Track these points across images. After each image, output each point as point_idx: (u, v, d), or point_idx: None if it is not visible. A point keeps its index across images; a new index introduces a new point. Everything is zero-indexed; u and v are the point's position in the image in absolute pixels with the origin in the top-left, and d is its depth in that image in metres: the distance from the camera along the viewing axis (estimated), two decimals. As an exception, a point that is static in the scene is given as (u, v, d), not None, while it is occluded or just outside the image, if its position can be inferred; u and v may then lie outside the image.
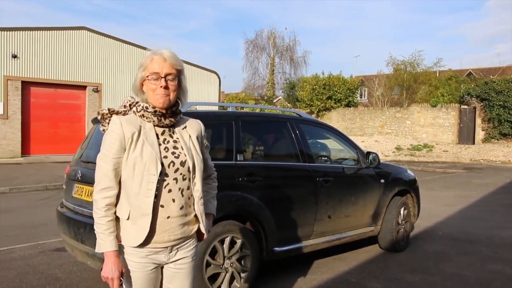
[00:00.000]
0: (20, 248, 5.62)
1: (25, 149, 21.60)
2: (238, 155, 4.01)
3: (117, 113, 2.05)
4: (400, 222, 5.59)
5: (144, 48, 24.87)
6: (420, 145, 25.16)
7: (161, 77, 1.96)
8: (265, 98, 39.89)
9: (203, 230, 2.11)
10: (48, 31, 22.06)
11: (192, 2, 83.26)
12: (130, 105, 2.05)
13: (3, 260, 5.11)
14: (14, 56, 20.86)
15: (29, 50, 21.38)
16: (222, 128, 4.09)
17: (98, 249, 1.97)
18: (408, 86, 31.05)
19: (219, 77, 28.14)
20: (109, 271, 1.93)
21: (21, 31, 21.25)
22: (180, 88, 2.05)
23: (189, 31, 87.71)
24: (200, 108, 5.74)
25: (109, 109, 2.08)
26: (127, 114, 2.04)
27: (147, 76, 1.97)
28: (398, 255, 5.47)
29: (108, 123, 2.02)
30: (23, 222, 7.57)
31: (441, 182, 13.80)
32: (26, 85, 21.45)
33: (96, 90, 23.19)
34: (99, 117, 2.09)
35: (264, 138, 4.96)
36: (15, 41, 21.05)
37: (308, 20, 78.26)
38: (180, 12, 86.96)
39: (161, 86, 1.95)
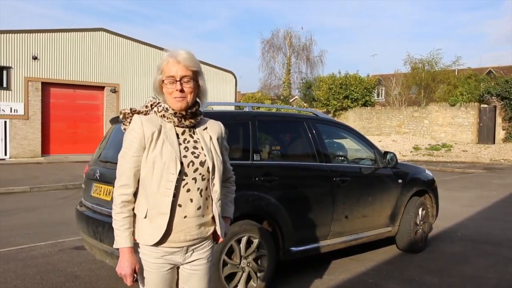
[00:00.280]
0: (41, 246, 5.72)
1: (45, 149, 21.98)
2: (254, 155, 4.01)
3: (139, 112, 2.07)
4: (418, 222, 5.53)
5: (161, 49, 25.07)
6: (438, 144, 24.82)
7: (177, 81, 1.97)
8: (282, 97, 39.82)
9: (219, 232, 2.11)
10: (67, 33, 22.40)
11: (209, 3, 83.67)
12: (151, 105, 2.07)
13: (24, 257, 5.20)
14: (35, 58, 21.24)
15: (49, 51, 21.74)
16: (238, 128, 4.10)
17: (114, 245, 2.01)
18: (426, 85, 30.67)
19: (235, 77, 28.21)
20: (122, 267, 1.97)
21: (41, 33, 21.62)
22: (198, 89, 2.05)
23: (205, 32, 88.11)
24: (217, 108, 5.77)
25: (131, 109, 2.10)
26: (148, 114, 2.06)
27: (163, 80, 1.99)
28: (416, 256, 5.41)
29: (129, 122, 2.04)
30: (43, 220, 7.70)
31: (460, 182, 13.59)
32: (45, 86, 21.83)
33: (114, 91, 23.47)
34: (121, 116, 2.11)
35: (280, 138, 4.95)
36: (35, 43, 21.42)
37: (325, 20, 77.94)
38: (197, 13, 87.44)
39: (177, 90, 1.97)
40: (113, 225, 2.00)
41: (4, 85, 20.81)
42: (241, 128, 4.08)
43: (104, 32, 23.49)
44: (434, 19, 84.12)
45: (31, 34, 21.33)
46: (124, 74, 23.88)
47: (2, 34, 20.62)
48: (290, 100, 40.93)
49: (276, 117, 4.95)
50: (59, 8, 77.47)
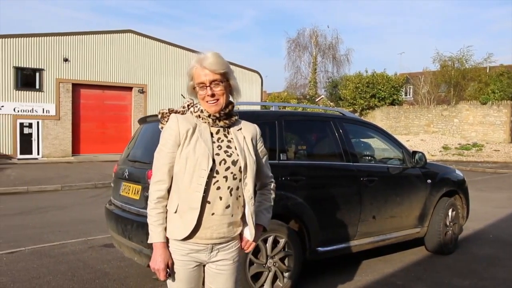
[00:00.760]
0: (71, 243, 5.86)
1: (75, 149, 22.53)
2: (281, 155, 4.01)
3: (176, 112, 2.13)
4: (448, 223, 5.41)
5: (188, 50, 25.34)
6: (469, 144, 24.21)
7: (207, 86, 2.00)
8: (307, 97, 39.64)
9: (247, 234, 2.11)
10: (96, 35, 22.90)
11: (234, 3, 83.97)
12: (188, 105, 2.13)
13: (56, 254, 5.35)
14: (66, 60, 21.80)
15: (79, 53, 22.27)
16: (265, 128, 4.09)
17: (149, 240, 2.04)
18: (456, 83, 29.98)
19: (261, 77, 28.26)
20: (156, 261, 2.01)
21: (71, 36, 22.17)
22: (230, 88, 2.08)
23: (231, 32, 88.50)
24: (243, 107, 5.78)
25: (169, 109, 2.17)
26: (185, 113, 2.12)
27: (194, 87, 2.05)
28: (445, 258, 5.29)
29: (167, 121, 2.10)
30: (74, 218, 7.89)
31: (492, 183, 13.23)
32: (76, 87, 22.37)
33: (142, 91, 23.84)
34: (159, 116, 2.18)
35: (307, 138, 4.92)
36: (66, 45, 21.98)
37: (351, 18, 77.11)
38: (222, 13, 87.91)
39: (208, 95, 2.01)
40: (148, 220, 2.05)
41: (37, 86, 21.44)
42: (268, 128, 4.08)
43: (132, 34, 23.90)
44: (464, 15, 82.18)
45: (62, 36, 21.91)
46: (151, 74, 24.24)
47: (35, 38, 21.24)
48: (316, 100, 40.70)
49: (303, 116, 4.93)
50: (88, 11, 79.20)
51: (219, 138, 2.07)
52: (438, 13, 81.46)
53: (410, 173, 5.10)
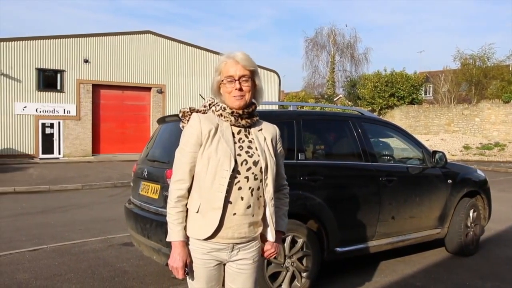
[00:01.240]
0: (92, 242, 5.95)
1: (95, 148, 22.85)
2: (299, 154, 3.99)
3: (198, 111, 2.14)
4: (469, 224, 5.32)
5: (206, 50, 25.46)
6: (490, 143, 23.74)
7: (235, 80, 2.02)
8: (326, 96, 39.43)
9: (269, 235, 2.12)
10: (116, 36, 23.19)
11: (252, 3, 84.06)
12: (209, 105, 2.14)
13: (77, 252, 5.43)
14: (86, 61, 22.13)
15: (99, 54, 22.58)
16: (283, 128, 4.07)
17: (167, 238, 2.06)
18: (477, 82, 29.46)
19: (279, 76, 28.21)
20: (174, 260, 2.02)
21: (92, 37, 22.50)
22: (255, 88, 2.10)
23: (249, 32, 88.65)
24: (261, 107, 5.78)
25: (190, 108, 2.17)
26: (206, 113, 2.12)
27: (222, 80, 2.05)
28: (466, 259, 5.20)
29: (188, 121, 2.11)
30: (94, 217, 8.01)
31: (515, 183, 12.96)
32: (96, 87, 22.69)
33: (160, 91, 24.05)
34: (180, 115, 2.18)
35: (325, 137, 4.90)
36: (86, 47, 22.31)
37: (370, 16, 76.43)
38: (240, 13, 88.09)
39: (235, 89, 2.02)
40: (167, 218, 2.06)
41: (58, 87, 21.81)
42: (286, 127, 4.07)
43: (151, 35, 24.12)
44: (486, 12, 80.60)
45: (83, 38, 22.25)
46: (169, 75, 24.43)
47: (57, 39, 21.62)
48: (335, 99, 40.46)
49: (321, 116, 4.91)
50: (108, 13, 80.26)
51: (240, 139, 2.08)
52: (459, 10, 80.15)
53: (430, 173, 5.03)
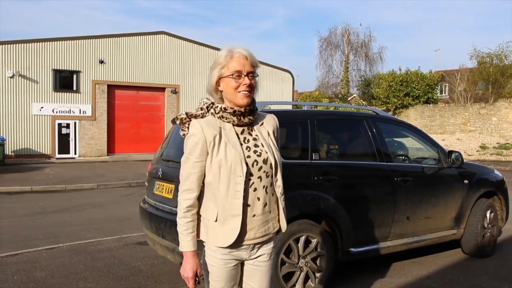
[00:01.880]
0: (107, 241, 6.01)
1: (110, 148, 23.07)
2: (313, 154, 3.98)
3: (195, 116, 2.06)
4: (486, 225, 5.24)
5: (219, 50, 25.50)
6: (508, 143, 23.34)
7: (244, 75, 1.96)
8: (340, 96, 39.22)
9: (283, 225, 2.13)
10: (131, 37, 23.38)
11: (265, 3, 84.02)
12: (207, 107, 2.06)
13: (93, 251, 5.49)
14: (101, 62, 22.36)
15: (114, 55, 22.80)
16: (297, 127, 4.09)
17: (179, 248, 2.05)
18: (495, 80, 28.99)
19: (292, 76, 28.15)
20: (185, 270, 2.02)
21: (107, 38, 22.72)
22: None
23: (262, 31, 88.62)
24: (275, 107, 5.77)
25: (187, 113, 2.09)
26: (205, 116, 2.06)
27: (231, 75, 1.96)
28: (483, 261, 5.13)
29: (188, 127, 2.05)
30: (109, 216, 8.09)
31: (533, 183, 12.71)
32: (111, 88, 22.90)
33: (175, 92, 24.18)
34: (178, 122, 2.13)
35: (340, 137, 4.87)
36: (101, 48, 22.53)
37: (384, 15, 75.82)
38: (253, 13, 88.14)
39: (244, 84, 1.96)
40: (178, 228, 2.05)
41: (74, 88, 22.07)
42: (300, 127, 4.06)
43: (165, 35, 24.26)
44: (503, 10, 79.23)
45: (98, 39, 22.48)
46: (184, 75, 24.54)
47: (72, 41, 21.88)
48: (349, 98, 40.22)
49: (335, 115, 4.88)
50: (123, 14, 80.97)
51: (245, 138, 2.04)
52: (476, 7, 78.98)
53: (446, 173, 4.97)
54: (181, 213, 2.02)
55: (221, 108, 2.00)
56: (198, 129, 1.98)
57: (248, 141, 2.05)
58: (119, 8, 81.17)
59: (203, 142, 1.97)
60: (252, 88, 1.99)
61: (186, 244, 2.01)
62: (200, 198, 2.05)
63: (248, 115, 2.03)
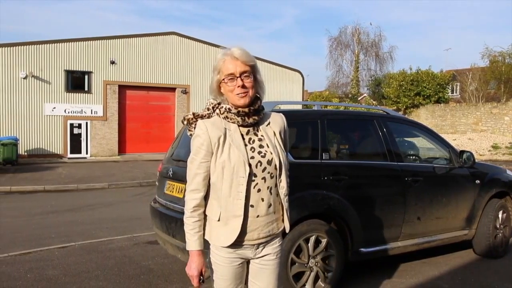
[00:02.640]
0: (118, 240, 6.06)
1: (121, 148, 23.22)
2: (323, 154, 3.97)
3: (202, 117, 2.08)
4: (498, 226, 5.19)
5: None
6: (521, 143, 23.09)
7: (237, 77, 1.96)
8: (350, 95, 39.05)
9: (287, 226, 2.14)
10: (141, 38, 23.52)
11: (275, 3, 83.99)
12: (213, 107, 2.07)
13: (104, 250, 5.55)
14: (112, 62, 22.53)
15: (125, 56, 22.95)
16: (307, 127, 4.09)
17: (186, 247, 2.08)
18: (507, 79, 28.70)
19: (302, 76, 28.08)
20: (189, 268, 2.04)
21: (118, 39, 22.88)
22: (256, 83, 2.04)
23: (272, 31, 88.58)
24: (285, 107, 5.78)
25: (193, 114, 2.11)
26: (211, 116, 2.07)
27: (223, 79, 1.98)
28: (495, 262, 5.08)
29: (194, 128, 2.07)
30: (120, 215, 8.16)
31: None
32: (122, 88, 23.05)
33: (185, 92, 24.26)
34: (185, 122, 2.15)
35: (350, 137, 4.86)
36: (113, 48, 22.70)
37: (395, 14, 75.36)
38: (263, 13, 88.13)
39: (238, 86, 1.96)
40: (185, 228, 2.08)
41: (86, 88, 22.27)
42: (310, 127, 4.06)
43: (175, 36, 24.35)
44: (515, 9, 78.20)
45: (109, 40, 22.65)
46: (194, 75, 24.62)
47: (84, 42, 22.07)
48: (359, 98, 40.02)
49: (346, 115, 4.87)
50: (134, 15, 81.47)
51: (250, 139, 2.05)
52: (487, 6, 78.14)
53: (457, 173, 4.93)
54: (188, 212, 2.06)
55: (226, 109, 2.02)
56: (203, 130, 2.00)
57: (253, 141, 2.05)
58: (131, 9, 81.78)
59: (208, 143, 1.99)
60: (248, 88, 1.98)
61: (192, 243, 2.04)
62: (206, 197, 2.07)
63: (252, 115, 2.03)
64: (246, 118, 2.02)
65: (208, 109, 2.08)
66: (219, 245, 2.04)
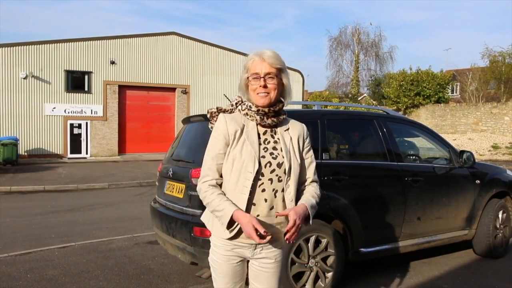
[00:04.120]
0: (118, 240, 6.06)
1: (121, 148, 23.21)
2: (323, 154, 3.98)
3: (224, 111, 2.16)
4: (498, 226, 5.19)
5: (230, 50, 25.55)
6: (521, 143, 23.09)
7: (261, 77, 2.01)
8: (350, 95, 39.05)
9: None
10: (142, 38, 23.52)
11: (276, 3, 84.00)
12: (236, 103, 2.15)
13: (104, 250, 5.55)
14: (112, 62, 22.53)
15: (125, 56, 22.95)
16: (307, 127, 4.07)
17: (224, 219, 1.95)
18: (507, 79, 28.69)
19: (302, 76, 28.08)
20: (244, 230, 1.91)
21: (118, 39, 22.88)
22: (282, 87, 2.08)
23: (272, 31, 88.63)
24: (285, 107, 5.78)
25: (217, 108, 2.20)
26: (233, 112, 2.14)
27: (248, 77, 2.05)
28: (495, 262, 5.09)
29: (216, 121, 2.12)
30: (120, 215, 8.15)
31: (547, 184, 12.55)
32: (122, 88, 23.06)
33: (185, 92, 24.26)
34: (208, 115, 2.21)
35: (350, 137, 4.86)
36: (113, 48, 22.70)
37: (395, 14, 75.38)
38: (263, 13, 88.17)
39: (260, 86, 2.01)
40: (211, 208, 2.00)
41: (86, 88, 22.27)
42: (310, 127, 4.03)
43: (175, 36, 24.35)
44: (515, 9, 78.19)
45: (109, 40, 22.65)
46: (194, 75, 24.62)
47: (84, 42, 22.07)
48: (359, 98, 40.03)
49: (345, 115, 4.87)
50: (134, 15, 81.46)
51: (265, 139, 2.07)
52: (487, 6, 78.11)
53: (457, 173, 4.94)
54: (207, 191, 2.01)
55: (247, 106, 2.08)
56: (223, 123, 2.05)
57: (268, 142, 2.07)
58: (131, 9, 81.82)
59: (225, 135, 2.03)
60: (270, 89, 2.01)
61: (226, 210, 1.94)
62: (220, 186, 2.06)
63: (272, 116, 2.07)
64: (264, 117, 2.06)
65: (232, 105, 2.16)
66: (219, 236, 2.05)
